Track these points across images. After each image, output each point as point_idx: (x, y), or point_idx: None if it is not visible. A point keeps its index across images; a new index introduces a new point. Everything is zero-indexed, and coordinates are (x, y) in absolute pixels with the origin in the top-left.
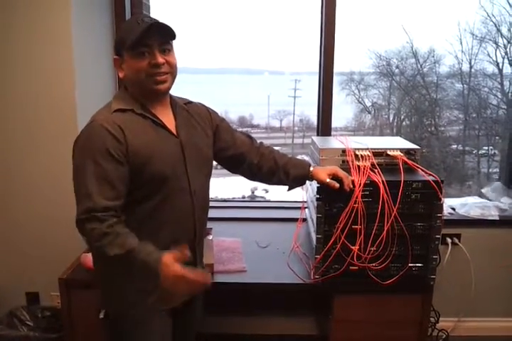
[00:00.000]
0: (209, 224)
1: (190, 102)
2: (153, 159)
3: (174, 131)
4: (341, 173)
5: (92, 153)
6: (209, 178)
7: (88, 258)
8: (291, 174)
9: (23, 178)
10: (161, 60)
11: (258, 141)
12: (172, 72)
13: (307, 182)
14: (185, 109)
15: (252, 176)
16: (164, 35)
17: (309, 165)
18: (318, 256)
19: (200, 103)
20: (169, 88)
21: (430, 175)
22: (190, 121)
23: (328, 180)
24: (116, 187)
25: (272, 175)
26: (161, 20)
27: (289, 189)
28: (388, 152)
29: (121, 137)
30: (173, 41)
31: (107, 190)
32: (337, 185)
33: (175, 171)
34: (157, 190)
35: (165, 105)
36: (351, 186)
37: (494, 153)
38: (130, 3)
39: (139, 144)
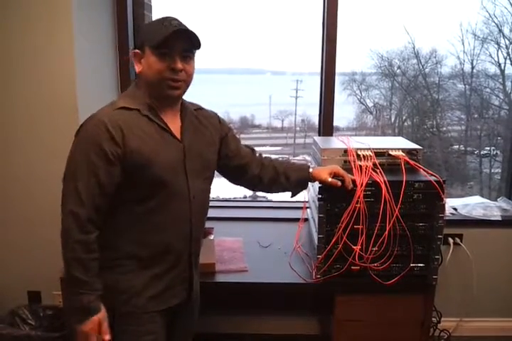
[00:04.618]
0: (210, 224)
1: (200, 108)
2: (153, 162)
3: (179, 136)
4: (342, 172)
5: (87, 146)
6: (210, 184)
7: None
8: (292, 178)
9: (24, 177)
10: (179, 65)
11: (258, 153)
12: (187, 80)
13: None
14: (194, 114)
15: (253, 187)
16: (190, 42)
17: (308, 167)
18: (319, 256)
19: (211, 110)
20: (181, 95)
21: (432, 175)
22: (197, 127)
23: (329, 179)
24: (105, 187)
25: (274, 182)
26: (189, 28)
27: (293, 195)
28: (390, 152)
29: (118, 136)
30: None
31: (94, 190)
32: (339, 183)
33: (174, 176)
34: (155, 193)
35: (174, 109)
36: (351, 184)
37: (496, 153)
38: (132, 3)
39: (138, 145)
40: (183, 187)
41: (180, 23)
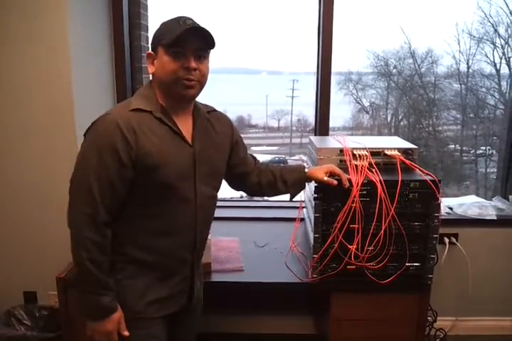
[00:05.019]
0: None
1: (214, 110)
2: (163, 166)
3: (190, 141)
4: (338, 170)
5: (100, 147)
6: (217, 191)
7: None
8: (289, 180)
9: (20, 177)
10: (193, 64)
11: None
12: (201, 80)
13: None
14: (206, 117)
15: (253, 193)
16: (204, 41)
17: (304, 167)
18: (315, 256)
19: (224, 114)
20: (195, 96)
21: (428, 174)
22: (209, 131)
23: (325, 178)
24: (116, 188)
25: (272, 187)
26: (203, 26)
27: (291, 197)
28: (386, 151)
29: (131, 138)
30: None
31: (106, 191)
32: (335, 182)
33: (182, 181)
34: (163, 197)
35: (187, 111)
36: (348, 183)
37: (492, 152)
38: (128, 2)
39: (150, 148)
40: (191, 193)
41: (194, 22)
